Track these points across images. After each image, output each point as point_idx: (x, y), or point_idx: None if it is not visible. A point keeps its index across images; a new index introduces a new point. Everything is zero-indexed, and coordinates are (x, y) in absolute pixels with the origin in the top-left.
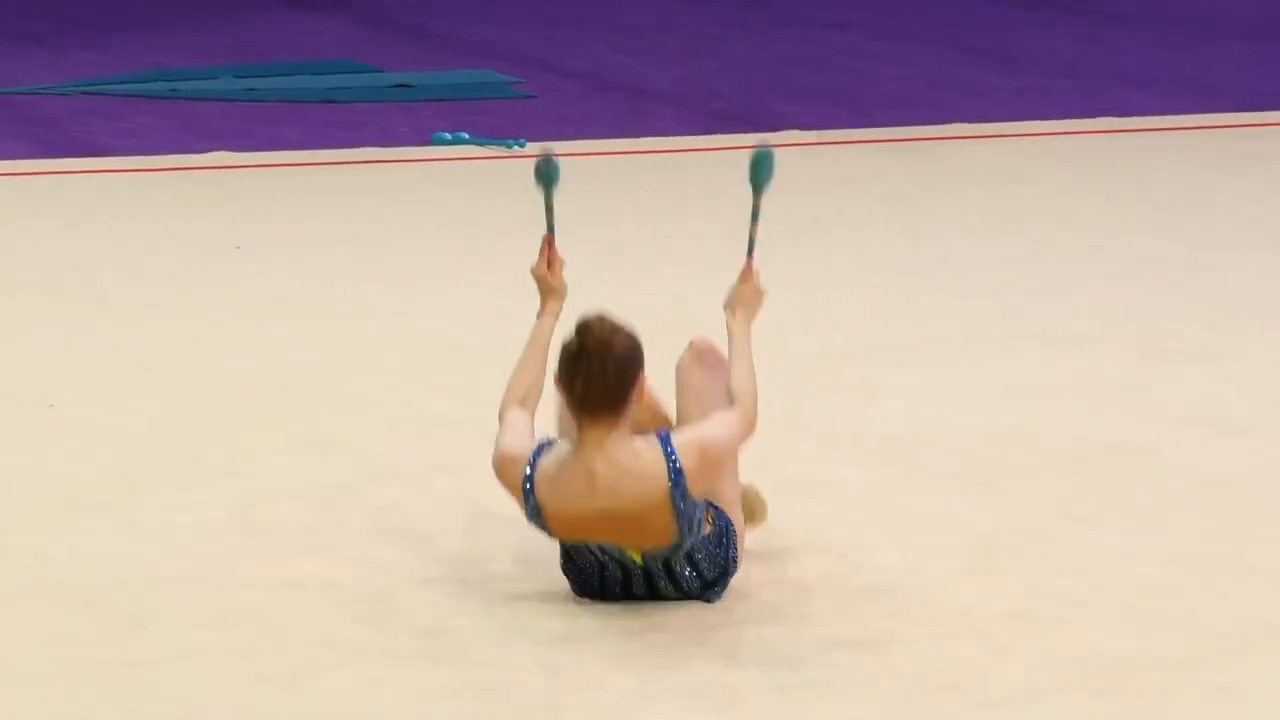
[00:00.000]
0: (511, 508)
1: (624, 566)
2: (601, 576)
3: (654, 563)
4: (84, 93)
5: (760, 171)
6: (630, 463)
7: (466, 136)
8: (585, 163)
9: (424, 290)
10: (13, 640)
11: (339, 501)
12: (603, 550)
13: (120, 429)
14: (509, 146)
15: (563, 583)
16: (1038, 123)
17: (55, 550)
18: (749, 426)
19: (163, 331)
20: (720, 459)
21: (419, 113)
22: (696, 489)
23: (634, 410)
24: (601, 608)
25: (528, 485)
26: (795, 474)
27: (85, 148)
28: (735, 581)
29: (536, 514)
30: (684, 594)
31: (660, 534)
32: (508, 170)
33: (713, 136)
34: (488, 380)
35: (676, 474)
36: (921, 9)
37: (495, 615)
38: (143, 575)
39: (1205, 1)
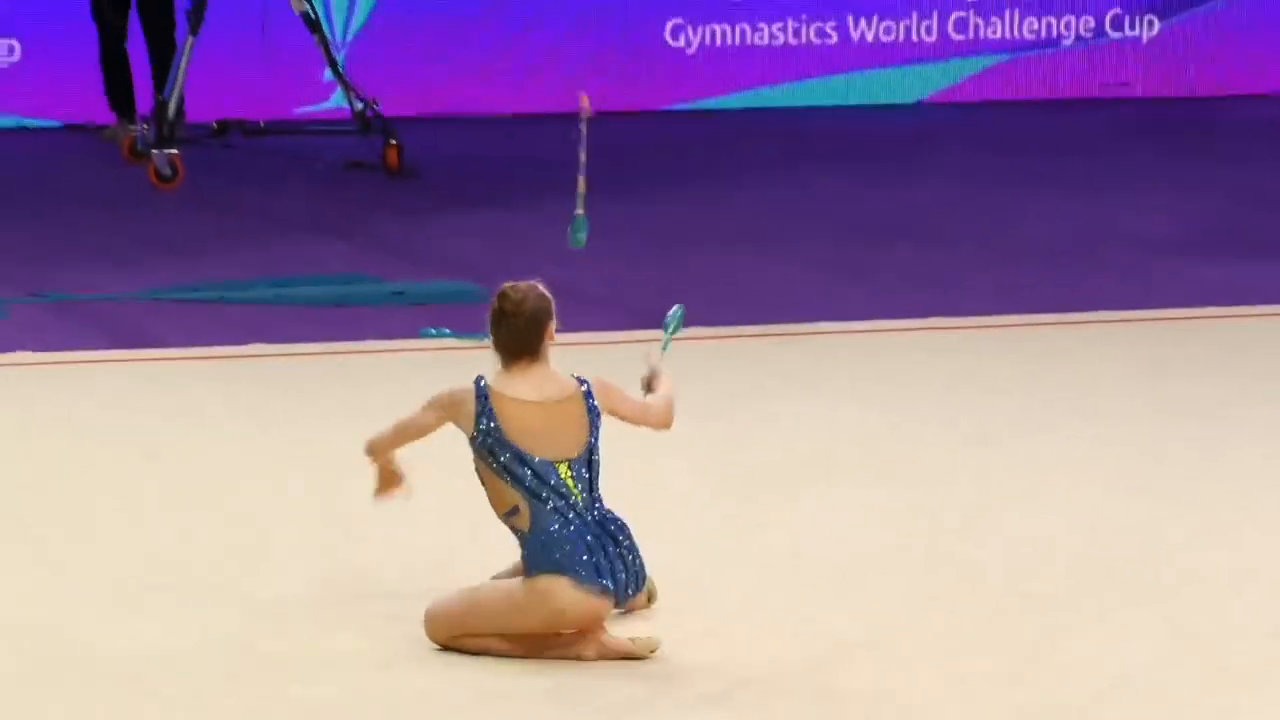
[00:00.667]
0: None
1: (578, 513)
2: (586, 543)
3: (582, 477)
4: (153, 299)
5: (673, 326)
6: (550, 373)
7: (449, 331)
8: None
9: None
10: None
11: None
12: (558, 494)
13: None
14: (479, 339)
15: None
16: None
17: None
18: (660, 416)
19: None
20: (621, 399)
21: (411, 313)
22: (600, 400)
23: (547, 348)
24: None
25: (482, 393)
26: None
27: (148, 341)
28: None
29: (489, 417)
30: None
31: (579, 432)
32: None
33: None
34: None
35: (583, 381)
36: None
37: None
38: None
39: None
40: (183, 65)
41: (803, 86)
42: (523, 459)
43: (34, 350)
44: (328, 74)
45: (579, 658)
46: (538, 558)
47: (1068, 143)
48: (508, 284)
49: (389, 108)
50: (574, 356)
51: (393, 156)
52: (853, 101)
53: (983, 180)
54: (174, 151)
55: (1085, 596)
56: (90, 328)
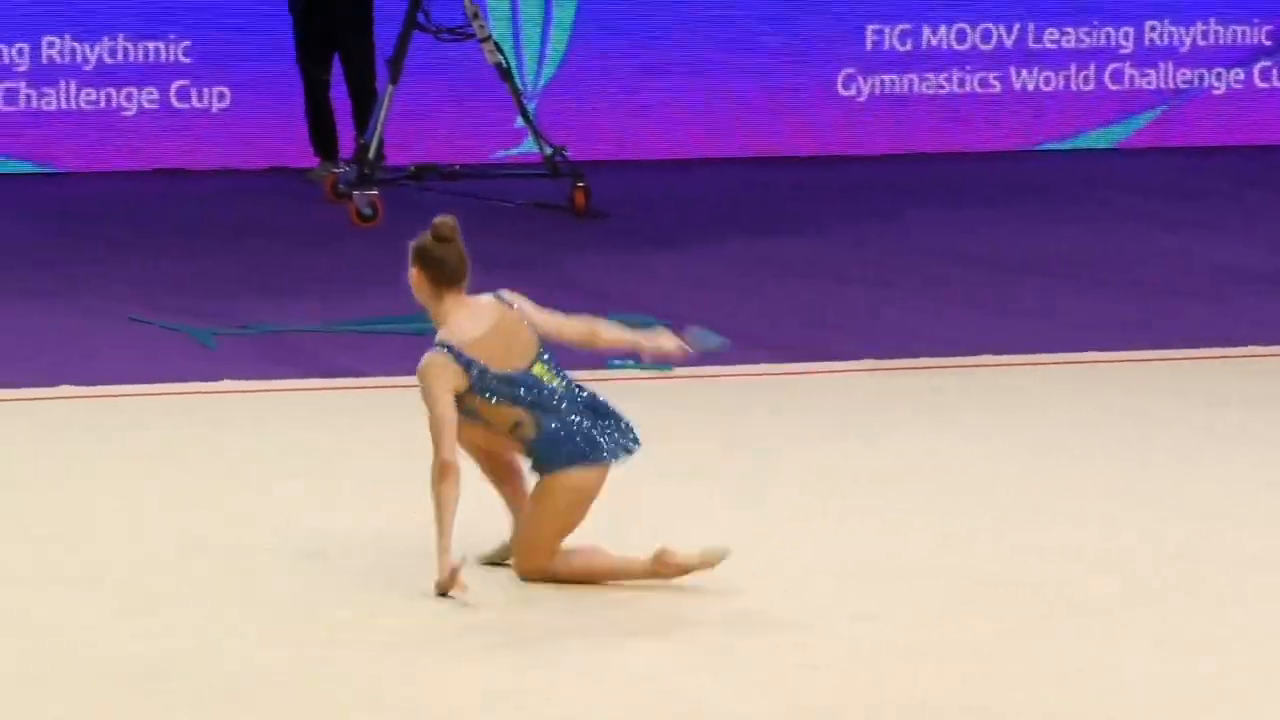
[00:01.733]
0: None
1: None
2: (580, 429)
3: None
4: (354, 331)
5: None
6: (470, 301)
7: (633, 362)
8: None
9: None
10: None
11: None
12: (546, 393)
13: None
14: (663, 369)
15: None
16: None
17: None
18: (609, 336)
19: None
20: (551, 320)
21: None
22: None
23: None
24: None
25: (453, 351)
26: None
27: (349, 370)
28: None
29: (471, 365)
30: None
31: (527, 334)
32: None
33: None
34: None
35: (490, 292)
36: None
37: None
38: None
39: None
40: (383, 111)
41: (966, 132)
42: (510, 380)
43: (235, 379)
44: (519, 121)
45: (657, 574)
46: (549, 456)
47: (1216, 188)
48: (435, 219)
49: (578, 152)
50: (743, 388)
51: (580, 199)
52: (1009, 146)
53: (1149, 221)
54: (374, 192)
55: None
56: (294, 358)
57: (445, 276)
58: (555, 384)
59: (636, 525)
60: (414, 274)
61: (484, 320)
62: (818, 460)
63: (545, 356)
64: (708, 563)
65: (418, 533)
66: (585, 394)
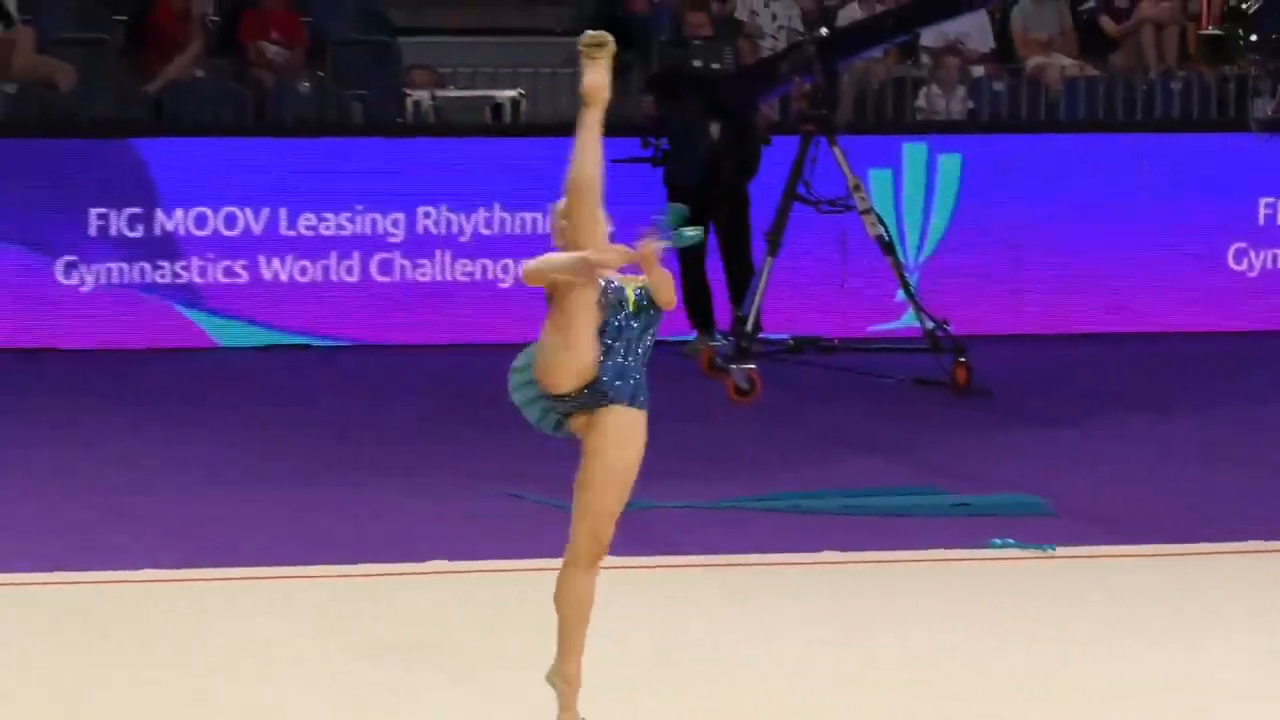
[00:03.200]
0: None
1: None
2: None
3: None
4: (729, 508)
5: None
6: None
7: (1013, 542)
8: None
9: None
10: None
11: None
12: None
13: None
14: (1044, 549)
15: None
16: None
17: None
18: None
19: None
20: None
21: (975, 524)
22: None
23: None
24: None
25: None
26: None
27: (721, 549)
28: None
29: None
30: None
31: None
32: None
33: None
34: None
35: None
36: None
37: None
38: None
39: None
40: (762, 283)
41: None
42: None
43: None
44: (900, 294)
45: None
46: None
47: None
48: None
49: (961, 326)
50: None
51: (962, 374)
52: None
53: None
54: (751, 367)
55: None
56: (670, 535)
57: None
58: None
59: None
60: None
61: None
62: None
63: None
64: None
65: None
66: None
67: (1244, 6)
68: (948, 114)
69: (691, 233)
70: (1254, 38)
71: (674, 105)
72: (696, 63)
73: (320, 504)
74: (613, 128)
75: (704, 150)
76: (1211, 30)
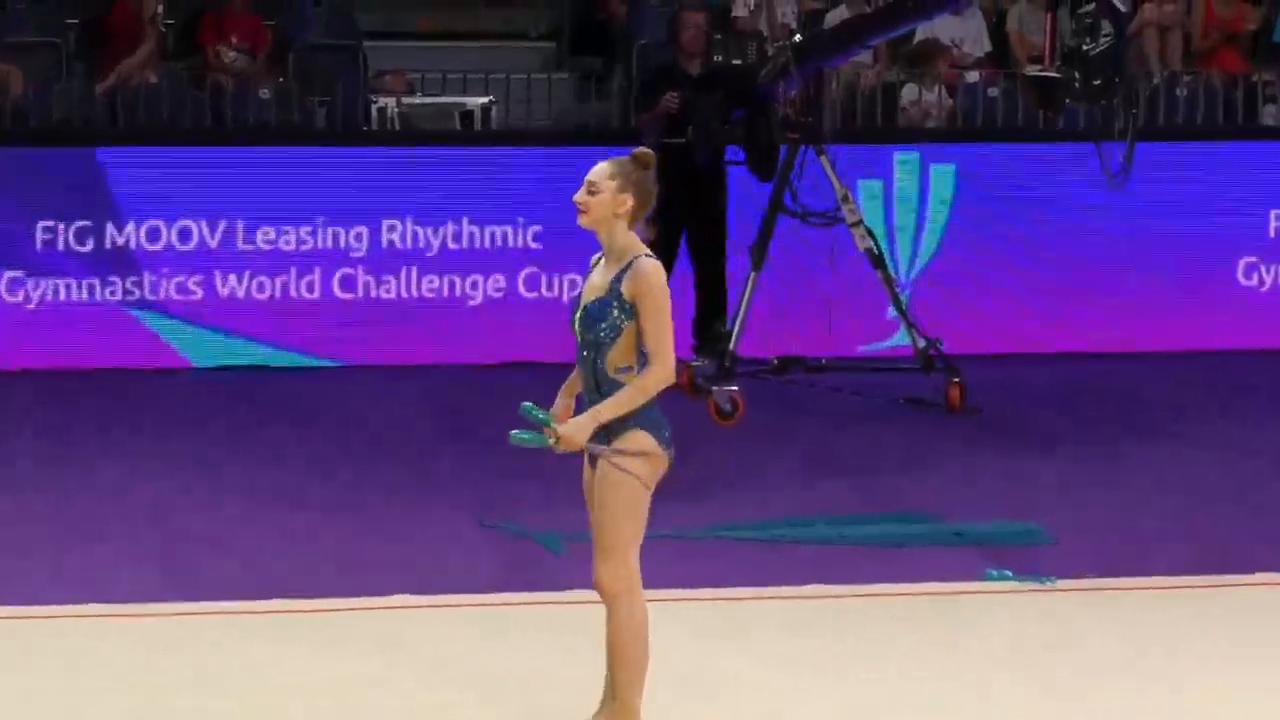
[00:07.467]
0: None
1: None
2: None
3: None
4: (713, 537)
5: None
6: None
7: (1010, 573)
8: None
9: None
10: None
11: None
12: None
13: None
14: (1041, 581)
15: None
16: None
17: None
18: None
19: None
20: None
21: (969, 554)
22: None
23: None
24: None
25: None
26: None
27: (712, 580)
28: None
29: None
30: None
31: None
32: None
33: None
34: None
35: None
36: None
37: None
38: None
39: None
40: (745, 300)
41: None
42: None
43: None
44: (891, 311)
45: None
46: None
47: None
48: (638, 150)
49: (953, 344)
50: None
51: (955, 394)
52: None
53: None
54: (734, 388)
55: None
56: (658, 563)
57: (646, 207)
58: None
59: None
60: (618, 198)
61: None
62: None
63: None
64: None
65: None
66: None
67: (1085, 48)
68: (939, 118)
69: (526, 436)
70: (1096, 82)
71: (701, 97)
72: (718, 57)
73: (266, 533)
74: (597, 135)
75: (719, 138)
76: (1042, 71)
